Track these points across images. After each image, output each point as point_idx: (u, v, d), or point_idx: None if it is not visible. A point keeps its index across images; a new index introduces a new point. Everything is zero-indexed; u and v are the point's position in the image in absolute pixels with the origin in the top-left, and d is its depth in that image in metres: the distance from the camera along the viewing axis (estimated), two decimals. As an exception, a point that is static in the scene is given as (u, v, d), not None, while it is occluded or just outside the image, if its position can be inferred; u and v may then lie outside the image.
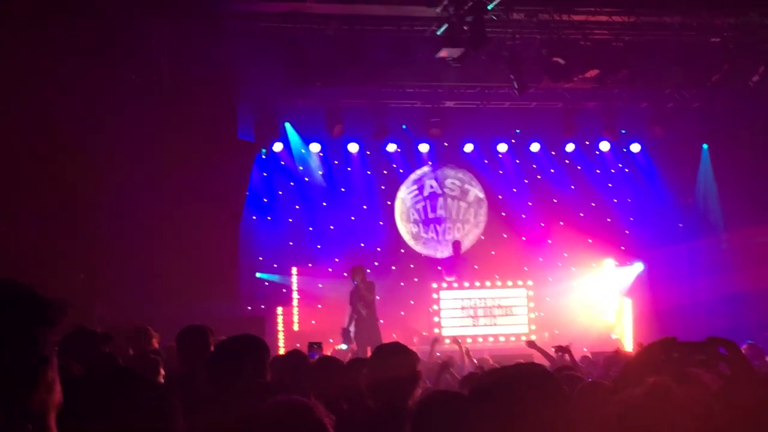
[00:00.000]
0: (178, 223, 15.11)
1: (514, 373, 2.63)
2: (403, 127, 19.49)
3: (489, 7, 14.02)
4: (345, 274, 17.73)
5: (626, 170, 21.06)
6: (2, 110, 11.60)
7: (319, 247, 19.33)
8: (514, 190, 20.72)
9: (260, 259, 18.79)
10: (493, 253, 20.22)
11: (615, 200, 21.00)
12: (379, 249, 19.66)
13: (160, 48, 15.05)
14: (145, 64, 15.03)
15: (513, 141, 20.42)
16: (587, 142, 20.62)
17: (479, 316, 18.58)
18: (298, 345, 13.94)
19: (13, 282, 1.51)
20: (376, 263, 18.59)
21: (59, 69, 12.34)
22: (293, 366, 6.22)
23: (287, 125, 18.96)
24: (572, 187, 20.82)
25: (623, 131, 20.26)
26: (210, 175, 15.19)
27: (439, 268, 19.46)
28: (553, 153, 20.68)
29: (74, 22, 12.81)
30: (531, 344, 11.88)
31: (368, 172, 19.99)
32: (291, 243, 19.26)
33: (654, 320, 18.81)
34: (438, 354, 12.34)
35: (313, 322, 18.60)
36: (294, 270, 18.94)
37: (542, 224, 20.52)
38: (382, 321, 16.12)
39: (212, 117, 15.67)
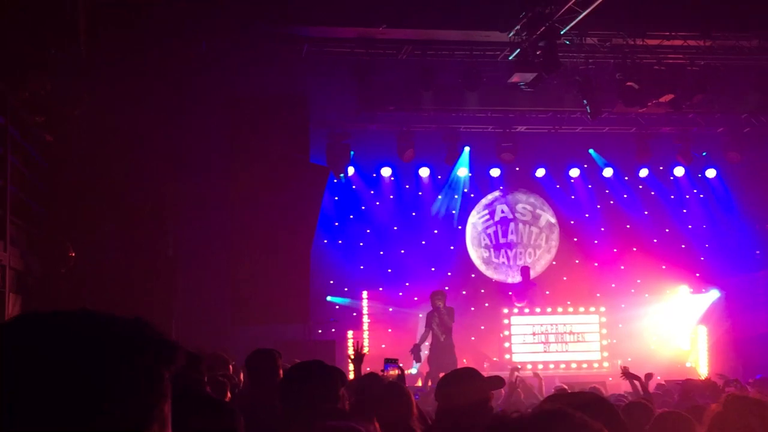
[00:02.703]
0: (251, 246, 15.31)
1: (568, 402, 2.60)
2: (466, 148, 19.35)
3: (562, 32, 13.93)
4: (415, 298, 17.76)
5: (701, 196, 20.73)
6: (90, 134, 11.82)
7: (389, 271, 19.35)
8: (587, 215, 20.53)
9: (331, 282, 18.89)
10: (564, 278, 20.04)
11: (690, 226, 20.66)
12: (449, 273, 19.60)
13: (238, 74, 15.28)
14: (222, 89, 15.27)
15: (585, 166, 20.26)
16: (661, 168, 20.37)
17: (551, 342, 18.40)
18: (368, 369, 13.94)
19: (138, 320, 1.55)
20: (446, 288, 18.50)
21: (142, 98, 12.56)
22: (363, 390, 6.22)
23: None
24: (646, 212, 20.57)
25: (704, 153, 19.98)
26: (283, 200, 15.35)
27: (510, 293, 19.33)
28: (627, 178, 20.46)
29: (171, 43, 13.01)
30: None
31: (439, 197, 19.98)
32: (362, 267, 19.31)
33: (730, 349, 18.44)
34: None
35: (383, 345, 18.57)
36: (364, 294, 18.97)
37: (615, 250, 20.29)
38: (453, 346, 16.04)
39: (286, 142, 15.85)
